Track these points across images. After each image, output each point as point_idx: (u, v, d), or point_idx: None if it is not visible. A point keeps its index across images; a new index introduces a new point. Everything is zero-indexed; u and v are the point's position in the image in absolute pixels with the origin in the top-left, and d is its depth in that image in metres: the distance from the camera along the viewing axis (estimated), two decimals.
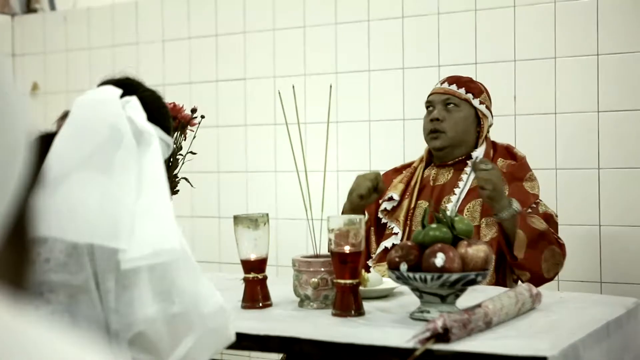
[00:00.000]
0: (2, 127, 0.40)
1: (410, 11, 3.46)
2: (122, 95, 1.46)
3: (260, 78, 3.77)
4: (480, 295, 1.94)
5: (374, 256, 2.63)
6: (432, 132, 2.62)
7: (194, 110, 2.15)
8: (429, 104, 2.68)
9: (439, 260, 1.79)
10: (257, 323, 1.86)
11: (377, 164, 3.42)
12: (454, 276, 1.78)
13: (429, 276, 1.78)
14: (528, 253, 2.39)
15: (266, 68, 3.76)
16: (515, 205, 2.40)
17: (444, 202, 2.58)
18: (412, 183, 2.67)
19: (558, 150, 3.20)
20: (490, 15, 3.32)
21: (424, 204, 2.60)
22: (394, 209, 2.65)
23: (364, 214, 2.56)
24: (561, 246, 2.48)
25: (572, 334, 1.69)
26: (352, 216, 1.97)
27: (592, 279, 3.14)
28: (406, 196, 2.65)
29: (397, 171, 2.79)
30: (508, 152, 2.69)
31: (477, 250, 1.83)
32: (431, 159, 2.73)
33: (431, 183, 2.65)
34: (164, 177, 1.42)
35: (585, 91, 3.15)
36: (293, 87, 2.22)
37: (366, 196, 2.48)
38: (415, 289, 1.86)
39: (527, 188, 2.56)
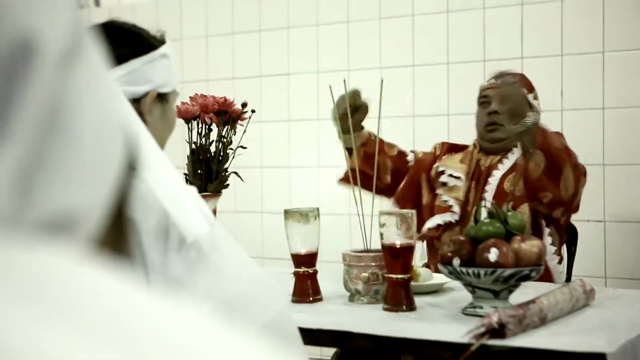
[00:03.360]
0: (103, 111, 0.40)
1: (456, 5, 3.44)
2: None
3: (304, 73, 3.77)
4: (531, 291, 1.92)
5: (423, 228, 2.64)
6: (490, 124, 2.65)
7: (244, 105, 2.16)
8: (484, 99, 2.69)
9: (493, 255, 1.78)
10: (309, 317, 1.86)
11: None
12: (508, 271, 1.77)
13: (482, 271, 1.77)
14: (547, 172, 2.42)
15: (310, 63, 3.76)
16: (535, 116, 2.42)
17: (488, 181, 2.63)
18: (471, 168, 2.72)
19: (606, 146, 3.16)
20: (537, 9, 3.29)
21: (473, 184, 2.66)
22: (454, 187, 2.69)
23: (358, 130, 2.58)
24: (576, 169, 2.49)
25: (629, 331, 1.67)
26: (404, 211, 1.96)
27: None
28: (467, 179, 2.69)
29: (451, 147, 2.83)
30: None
31: (531, 246, 1.82)
32: (480, 148, 2.76)
33: (481, 167, 2.70)
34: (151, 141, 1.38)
35: (634, 85, 3.11)
36: (344, 81, 2.22)
37: (356, 113, 2.49)
38: (467, 284, 1.85)
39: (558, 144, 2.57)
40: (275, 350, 0.31)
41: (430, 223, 2.64)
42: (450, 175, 2.70)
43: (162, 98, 1.52)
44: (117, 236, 0.43)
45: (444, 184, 2.70)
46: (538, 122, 2.40)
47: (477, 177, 2.68)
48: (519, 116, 2.45)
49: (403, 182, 2.73)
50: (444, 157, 2.78)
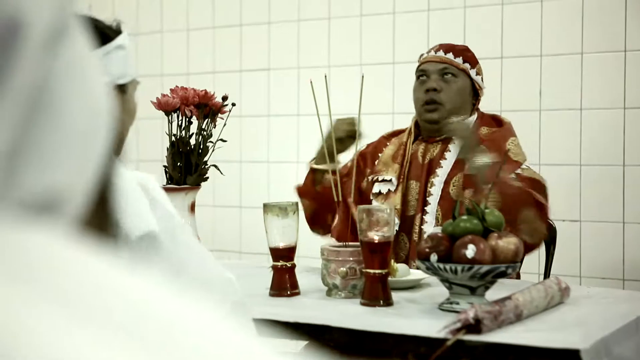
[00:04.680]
0: (88, 93, 0.41)
1: (437, 4, 3.45)
2: None
3: (284, 69, 3.77)
4: (507, 288, 1.94)
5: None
6: (427, 103, 2.46)
7: (224, 98, 2.16)
8: (422, 73, 2.50)
9: (470, 251, 1.79)
10: (286, 310, 1.86)
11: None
12: (485, 268, 1.78)
13: (459, 267, 1.78)
14: (504, 208, 2.11)
15: (290, 59, 3.76)
16: (489, 157, 2.24)
17: (431, 178, 2.44)
18: (404, 162, 2.50)
19: (583, 147, 3.19)
20: (517, 10, 3.31)
21: (414, 184, 2.46)
22: (389, 193, 2.48)
23: (337, 162, 2.36)
24: (541, 207, 2.24)
25: (603, 328, 1.69)
26: (382, 206, 1.97)
27: (615, 276, 3.13)
28: (401, 180, 2.48)
29: (386, 138, 2.63)
30: (494, 119, 2.53)
31: (508, 243, 1.83)
32: (419, 132, 2.57)
33: (419, 160, 2.50)
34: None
35: (612, 87, 3.14)
36: (325, 76, 2.22)
37: (345, 141, 2.37)
38: (445, 280, 1.86)
39: (511, 154, 2.37)
40: (245, 331, 0.32)
41: (370, 195, 2.44)
42: (383, 181, 2.49)
43: (120, 89, 1.51)
44: (100, 218, 0.44)
45: (379, 193, 2.49)
46: (488, 163, 2.20)
47: (417, 175, 2.47)
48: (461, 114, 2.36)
49: (336, 217, 2.35)
50: (375, 162, 2.55)
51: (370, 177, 2.53)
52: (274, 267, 2.06)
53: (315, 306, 1.94)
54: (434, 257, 1.82)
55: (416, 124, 2.57)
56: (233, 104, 2.18)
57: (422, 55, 2.58)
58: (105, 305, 0.30)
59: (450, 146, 2.45)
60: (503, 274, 1.81)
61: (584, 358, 1.51)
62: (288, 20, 3.77)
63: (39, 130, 0.37)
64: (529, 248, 2.28)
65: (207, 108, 2.12)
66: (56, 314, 0.27)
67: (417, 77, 2.53)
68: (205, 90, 2.11)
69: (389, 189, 2.47)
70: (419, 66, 2.54)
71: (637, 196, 3.10)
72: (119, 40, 1.51)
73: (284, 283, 2.05)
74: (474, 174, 2.24)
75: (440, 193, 2.39)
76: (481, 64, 3.29)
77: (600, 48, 3.17)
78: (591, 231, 3.15)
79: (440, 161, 2.45)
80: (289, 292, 2.04)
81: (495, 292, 1.87)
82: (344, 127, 2.37)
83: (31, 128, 0.37)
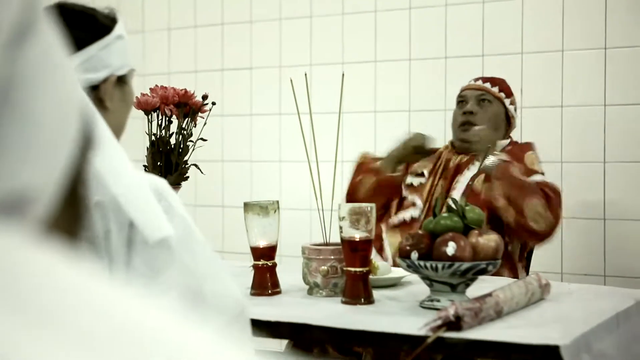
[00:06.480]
0: (56, 89, 0.40)
1: (418, 2, 3.46)
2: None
3: (266, 67, 3.77)
4: (489, 285, 1.94)
5: (389, 222, 2.69)
6: (463, 124, 2.70)
7: (204, 97, 2.15)
8: (462, 99, 2.77)
9: (450, 249, 1.80)
10: (267, 309, 1.86)
11: (381, 155, 3.43)
12: (465, 265, 1.79)
13: (440, 265, 1.79)
14: (509, 199, 2.43)
15: (272, 57, 3.75)
16: (502, 156, 2.50)
17: (457, 177, 2.67)
18: (437, 164, 2.75)
19: (564, 144, 3.20)
20: (498, 8, 3.32)
21: (442, 182, 2.70)
22: (419, 185, 2.72)
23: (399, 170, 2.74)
24: (549, 199, 2.46)
25: (583, 324, 1.70)
26: (363, 204, 1.97)
27: (596, 272, 3.15)
28: (431, 176, 2.73)
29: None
30: (522, 144, 2.79)
31: (488, 240, 1.84)
32: (454, 148, 2.80)
33: (450, 164, 2.73)
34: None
35: (592, 84, 3.16)
36: (305, 74, 2.22)
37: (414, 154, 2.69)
38: (425, 278, 1.86)
39: (526, 163, 2.61)
40: (237, 346, 0.31)
41: (395, 219, 2.67)
42: (415, 174, 2.74)
43: (120, 80, 1.46)
44: (69, 217, 0.43)
45: (410, 185, 2.73)
46: (499, 163, 2.46)
47: (445, 175, 2.71)
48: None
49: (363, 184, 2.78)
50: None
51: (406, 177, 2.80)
52: (254, 266, 2.06)
53: (296, 305, 1.94)
54: (414, 255, 1.83)
55: (452, 143, 2.85)
56: (213, 103, 2.17)
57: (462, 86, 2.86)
58: (70, 313, 0.29)
59: (480, 158, 2.69)
60: (483, 271, 1.82)
61: (564, 354, 1.52)
62: (270, 19, 3.77)
63: (5, 128, 0.37)
64: (537, 236, 2.50)
65: (187, 107, 2.11)
66: (18, 323, 0.27)
67: (457, 103, 2.80)
68: (185, 89, 2.10)
69: (420, 182, 2.73)
70: (459, 93, 2.82)
71: (617, 193, 3.12)
72: (117, 31, 1.45)
73: (264, 282, 2.05)
74: (486, 171, 2.49)
75: (464, 188, 2.62)
76: (462, 62, 3.30)
77: (581, 45, 3.18)
78: (572, 228, 3.17)
79: (469, 165, 2.68)
80: (270, 291, 2.04)
81: (476, 289, 1.88)
82: (419, 141, 2.68)
83: None
